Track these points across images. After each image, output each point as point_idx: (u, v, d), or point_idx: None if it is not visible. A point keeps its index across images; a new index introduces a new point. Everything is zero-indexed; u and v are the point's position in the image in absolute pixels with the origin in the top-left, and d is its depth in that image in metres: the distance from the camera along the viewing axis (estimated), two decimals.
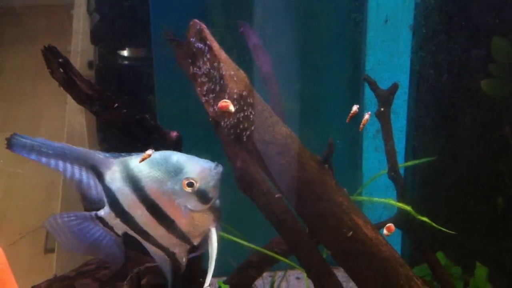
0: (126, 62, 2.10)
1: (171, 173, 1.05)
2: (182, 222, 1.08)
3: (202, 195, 1.05)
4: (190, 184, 1.04)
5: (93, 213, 1.11)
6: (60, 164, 1.08)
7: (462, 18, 1.83)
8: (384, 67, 1.90)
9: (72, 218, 1.11)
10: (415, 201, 1.83)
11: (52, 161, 1.08)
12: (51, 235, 3.05)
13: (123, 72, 2.10)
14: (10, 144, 1.09)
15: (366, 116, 1.07)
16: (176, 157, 1.06)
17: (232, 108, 1.08)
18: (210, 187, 1.05)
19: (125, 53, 2.08)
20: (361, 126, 1.08)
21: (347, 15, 2.00)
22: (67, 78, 1.24)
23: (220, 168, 1.05)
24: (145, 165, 1.06)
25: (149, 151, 1.03)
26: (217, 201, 1.08)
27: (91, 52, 2.36)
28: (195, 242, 1.11)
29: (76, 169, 1.09)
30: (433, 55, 1.87)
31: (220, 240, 1.60)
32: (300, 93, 1.97)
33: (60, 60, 1.22)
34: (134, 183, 1.06)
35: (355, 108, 1.04)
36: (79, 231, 1.11)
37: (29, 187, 3.62)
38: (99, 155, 1.08)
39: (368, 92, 1.95)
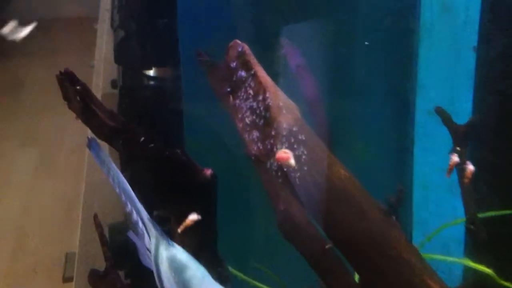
0: (152, 83, 1.91)
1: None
2: None
3: None
4: None
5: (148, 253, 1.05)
6: (123, 197, 1.05)
7: None
8: (441, 94, 1.68)
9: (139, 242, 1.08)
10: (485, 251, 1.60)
11: (117, 189, 1.05)
12: (69, 263, 2.89)
13: (148, 93, 1.92)
14: (90, 145, 1.10)
15: (455, 159, 0.87)
16: (190, 273, 0.90)
17: (293, 162, 0.89)
18: None
19: (151, 73, 1.90)
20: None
21: (396, 36, 1.79)
22: (86, 108, 1.06)
23: None
24: (165, 260, 0.94)
25: (192, 216, 0.86)
26: None
27: (115, 69, 2.20)
28: None
29: (133, 212, 1.05)
30: (498, 80, 1.64)
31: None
32: (340, 119, 1.76)
33: (78, 87, 1.03)
34: (156, 264, 0.97)
35: (455, 158, 0.84)
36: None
37: (48, 203, 3.52)
38: (146, 217, 1.02)
39: (420, 120, 1.74)
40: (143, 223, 1.02)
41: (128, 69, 1.87)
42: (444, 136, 1.37)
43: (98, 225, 1.30)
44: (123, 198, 1.04)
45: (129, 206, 1.04)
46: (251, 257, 1.70)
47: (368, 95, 1.85)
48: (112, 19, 2.21)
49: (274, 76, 1.29)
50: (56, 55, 4.86)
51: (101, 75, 2.80)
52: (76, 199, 3.04)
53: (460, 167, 1.20)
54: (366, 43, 1.74)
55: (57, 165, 3.87)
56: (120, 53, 1.83)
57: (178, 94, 1.85)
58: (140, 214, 1.02)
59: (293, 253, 1.37)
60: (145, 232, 1.02)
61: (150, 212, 1.58)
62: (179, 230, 0.94)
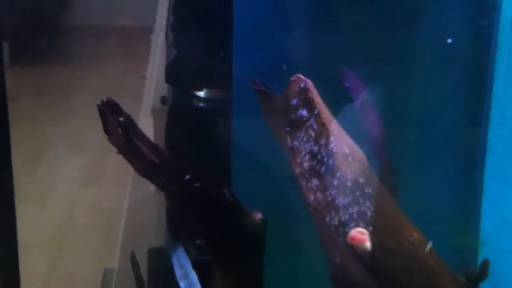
0: (202, 105, 1.81)
1: None
2: None
3: None
4: None
5: None
6: None
7: None
8: None
9: None
10: None
11: None
12: (107, 279, 2.82)
13: (197, 115, 1.82)
14: (170, 247, 1.11)
15: None
16: None
17: (369, 245, 0.76)
18: None
19: (201, 94, 1.80)
20: None
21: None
22: (128, 142, 0.95)
23: None
24: None
25: None
26: None
27: (166, 84, 2.13)
28: None
29: None
30: None
31: None
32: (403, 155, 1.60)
33: (121, 119, 0.93)
34: None
35: None
36: None
37: (90, 215, 3.48)
38: None
39: (492, 163, 1.57)
40: None
41: (179, 90, 1.77)
42: None
43: (135, 264, 1.20)
44: None
45: None
46: None
47: (433, 131, 1.70)
48: (166, 33, 2.13)
49: (335, 110, 1.16)
50: (109, 63, 4.87)
51: (152, 88, 2.74)
52: (118, 213, 2.99)
53: None
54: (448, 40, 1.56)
55: (103, 175, 3.83)
56: (172, 73, 1.74)
57: (228, 118, 1.74)
58: None
59: None
60: None
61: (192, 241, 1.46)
62: None
